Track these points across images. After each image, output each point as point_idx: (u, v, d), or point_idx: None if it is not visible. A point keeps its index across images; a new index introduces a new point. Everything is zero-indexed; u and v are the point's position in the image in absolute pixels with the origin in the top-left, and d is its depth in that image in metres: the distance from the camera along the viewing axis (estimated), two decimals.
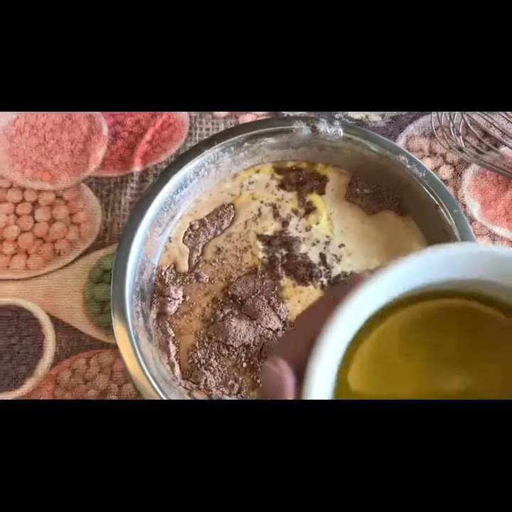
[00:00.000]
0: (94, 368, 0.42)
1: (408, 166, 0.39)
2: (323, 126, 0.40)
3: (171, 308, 0.41)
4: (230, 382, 0.39)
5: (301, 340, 0.21)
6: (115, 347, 0.42)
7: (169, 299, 0.41)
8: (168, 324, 0.41)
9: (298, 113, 0.45)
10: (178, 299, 0.41)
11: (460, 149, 0.45)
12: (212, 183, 0.43)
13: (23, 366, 0.42)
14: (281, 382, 0.21)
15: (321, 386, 0.20)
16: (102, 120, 0.48)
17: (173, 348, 0.40)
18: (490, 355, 0.25)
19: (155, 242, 0.41)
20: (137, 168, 0.46)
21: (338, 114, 0.47)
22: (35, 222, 0.45)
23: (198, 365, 0.40)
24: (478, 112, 0.46)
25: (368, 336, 0.24)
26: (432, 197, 0.39)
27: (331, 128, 0.40)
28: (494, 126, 0.46)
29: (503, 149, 0.46)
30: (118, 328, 0.38)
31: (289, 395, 0.21)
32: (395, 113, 0.48)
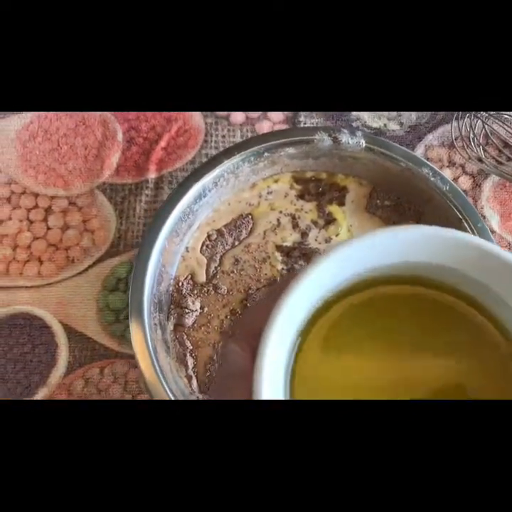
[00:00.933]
0: (108, 377, 0.42)
1: (432, 179, 0.39)
2: (345, 137, 0.40)
3: (189, 320, 0.40)
4: None
5: (261, 322, 0.21)
6: (129, 357, 0.42)
7: (187, 310, 0.40)
8: (185, 336, 0.40)
9: (316, 121, 0.45)
10: (196, 310, 0.41)
11: (480, 160, 0.45)
12: (231, 193, 0.43)
13: (35, 375, 0.42)
14: (246, 362, 0.20)
15: (272, 379, 0.20)
16: (117, 126, 0.47)
17: (190, 361, 0.40)
18: (441, 340, 0.25)
19: (172, 252, 0.41)
20: (152, 175, 0.46)
21: (356, 123, 0.47)
22: (48, 228, 0.45)
23: (216, 379, 0.39)
24: (497, 121, 0.46)
25: (323, 318, 0.24)
26: (456, 211, 0.38)
27: (352, 139, 0.40)
28: None
29: None
30: (136, 339, 0.37)
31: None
32: (413, 122, 0.47)
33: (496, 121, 0.46)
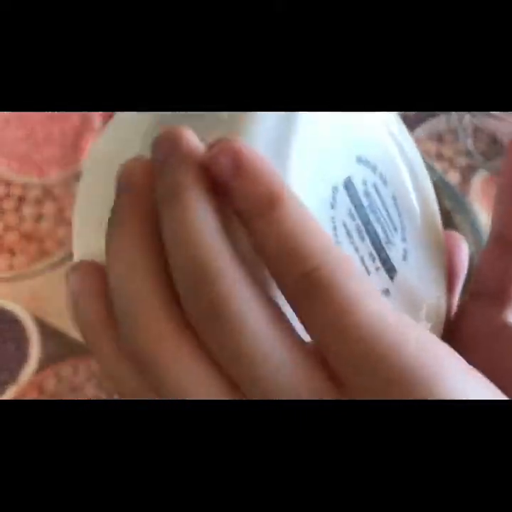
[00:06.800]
0: (82, 375, 0.41)
1: None
2: None
3: None
4: None
5: None
6: None
7: None
8: None
9: None
10: None
11: (469, 154, 0.44)
12: None
13: (5, 372, 0.41)
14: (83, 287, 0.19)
15: None
16: (95, 112, 0.46)
17: None
18: None
19: None
20: None
21: None
22: (21, 218, 0.44)
23: None
24: (486, 116, 0.45)
25: None
26: (446, 201, 0.37)
27: None
28: (503, 132, 0.45)
29: None
30: None
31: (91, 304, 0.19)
32: (401, 114, 0.47)
33: (485, 115, 0.46)
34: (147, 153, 0.19)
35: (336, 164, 0.21)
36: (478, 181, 0.46)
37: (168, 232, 0.17)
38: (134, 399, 0.19)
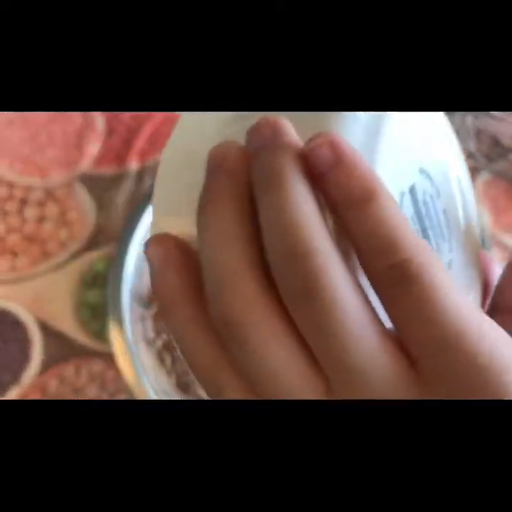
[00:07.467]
0: (85, 376, 0.41)
1: None
2: None
3: None
4: None
5: None
6: (107, 354, 0.41)
7: None
8: (167, 331, 0.39)
9: None
10: None
11: (471, 156, 0.44)
12: None
13: (7, 374, 0.41)
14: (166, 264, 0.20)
15: None
16: (97, 114, 0.46)
17: (170, 357, 0.39)
18: None
19: None
20: (134, 166, 0.45)
21: None
22: (24, 220, 0.44)
23: None
24: (488, 118, 0.45)
25: None
26: None
27: None
28: (505, 134, 0.45)
29: None
30: (115, 335, 0.37)
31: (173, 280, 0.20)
32: None
33: (487, 117, 0.45)
34: (226, 138, 0.20)
35: (405, 171, 0.22)
36: (481, 183, 0.45)
37: (267, 212, 0.18)
38: (206, 373, 0.19)
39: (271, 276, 0.19)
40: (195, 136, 0.23)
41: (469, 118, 0.46)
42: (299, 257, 0.18)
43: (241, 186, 0.19)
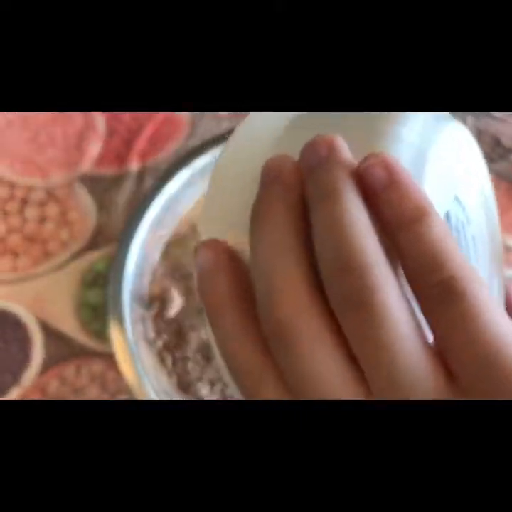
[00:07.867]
0: (85, 376, 0.41)
1: None
2: None
3: (171, 312, 0.40)
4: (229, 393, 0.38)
5: None
6: (108, 355, 0.41)
7: (170, 304, 0.39)
8: (167, 329, 0.39)
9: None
10: (179, 304, 0.40)
11: None
12: None
13: (7, 374, 0.41)
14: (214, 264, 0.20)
15: None
16: (98, 115, 0.46)
17: (171, 357, 0.39)
18: None
19: (155, 244, 0.40)
20: (135, 166, 0.45)
21: None
22: (25, 220, 0.44)
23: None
24: (489, 118, 0.45)
25: None
26: None
27: None
28: (506, 134, 0.45)
29: None
30: (115, 335, 0.37)
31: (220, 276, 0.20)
32: None
33: (488, 118, 0.45)
34: (279, 152, 0.21)
35: (443, 198, 0.23)
36: None
37: (323, 224, 0.19)
38: (250, 377, 0.20)
39: (321, 286, 0.19)
40: (249, 148, 0.23)
41: (470, 119, 0.46)
42: (354, 270, 0.18)
43: (295, 199, 0.20)
